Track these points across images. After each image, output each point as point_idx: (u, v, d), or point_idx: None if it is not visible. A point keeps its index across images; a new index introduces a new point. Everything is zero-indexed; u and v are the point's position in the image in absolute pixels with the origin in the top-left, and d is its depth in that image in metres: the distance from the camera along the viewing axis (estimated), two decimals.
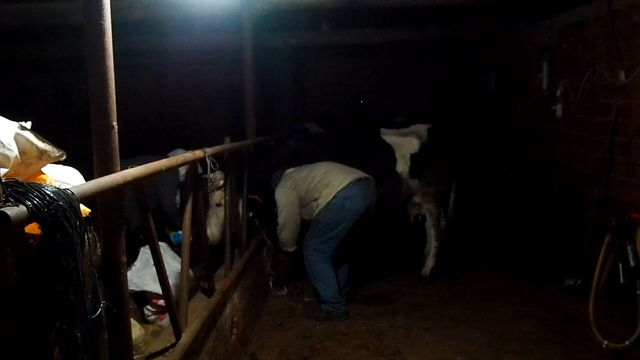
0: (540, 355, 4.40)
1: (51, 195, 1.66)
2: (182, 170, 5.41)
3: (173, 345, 3.14)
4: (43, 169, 2.23)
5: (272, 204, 5.54)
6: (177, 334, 3.19)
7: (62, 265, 1.67)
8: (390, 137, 6.28)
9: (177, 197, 5.73)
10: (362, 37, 8.35)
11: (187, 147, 4.54)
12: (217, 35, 7.72)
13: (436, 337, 4.77)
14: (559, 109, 6.48)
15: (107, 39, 2.33)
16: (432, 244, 6.30)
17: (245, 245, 5.27)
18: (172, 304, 3.14)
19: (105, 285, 2.39)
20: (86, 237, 1.81)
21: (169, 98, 11.27)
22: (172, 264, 4.13)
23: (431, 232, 6.30)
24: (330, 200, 5.17)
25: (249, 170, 5.54)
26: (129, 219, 4.75)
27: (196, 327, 3.36)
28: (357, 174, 5.37)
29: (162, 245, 3.87)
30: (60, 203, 1.67)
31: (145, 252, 4.18)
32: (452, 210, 6.67)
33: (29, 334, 1.67)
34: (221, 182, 5.19)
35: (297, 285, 6.01)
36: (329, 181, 5.26)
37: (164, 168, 2.90)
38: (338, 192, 5.17)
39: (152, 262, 3.19)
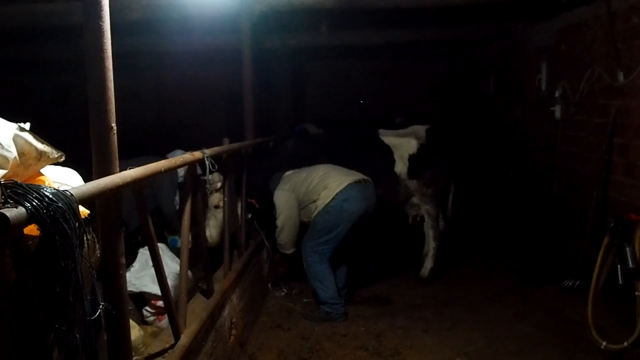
0: (539, 356, 4.40)
1: (50, 196, 1.66)
2: (181, 172, 5.42)
3: (172, 347, 3.14)
4: (42, 170, 2.23)
5: (270, 206, 5.54)
6: (176, 335, 3.19)
7: (61, 267, 1.67)
8: (388, 138, 6.28)
9: (177, 198, 5.73)
10: (361, 38, 8.36)
11: (186, 148, 4.54)
12: (215, 36, 7.72)
13: (435, 338, 4.78)
14: (557, 110, 6.48)
15: (106, 40, 2.33)
16: (430, 245, 6.30)
17: (244, 247, 5.27)
18: (171, 305, 3.13)
19: (104, 286, 2.39)
20: (85, 238, 1.81)
21: (168, 99, 11.27)
22: (171, 265, 4.13)
23: (430, 233, 6.30)
24: (329, 202, 5.17)
25: (248, 171, 5.54)
26: (128, 220, 4.76)
27: (195, 328, 3.36)
28: (356, 176, 5.37)
29: (161, 247, 3.88)
30: (59, 204, 1.67)
31: (144, 253, 4.18)
32: (450, 211, 6.67)
33: (28, 335, 1.67)
34: (219, 185, 5.20)
35: (294, 287, 6.00)
36: (327, 183, 5.26)
37: (162, 169, 2.90)
38: (336, 194, 5.17)
39: (150, 263, 3.20)
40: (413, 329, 4.97)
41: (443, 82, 11.40)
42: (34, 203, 1.60)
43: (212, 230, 5.22)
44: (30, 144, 2.05)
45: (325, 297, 5.27)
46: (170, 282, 3.37)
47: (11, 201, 1.57)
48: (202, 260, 4.20)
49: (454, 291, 5.98)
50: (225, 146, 4.59)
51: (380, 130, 6.42)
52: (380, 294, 5.92)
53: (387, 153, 6.14)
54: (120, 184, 2.29)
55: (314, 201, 5.27)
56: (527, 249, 7.02)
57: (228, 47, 7.57)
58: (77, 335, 1.74)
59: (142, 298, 4.23)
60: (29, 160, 2.07)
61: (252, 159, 5.85)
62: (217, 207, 5.35)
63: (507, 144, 8.50)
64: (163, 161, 3.05)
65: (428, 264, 6.28)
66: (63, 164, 2.37)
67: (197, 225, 4.13)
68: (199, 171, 4.12)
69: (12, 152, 1.96)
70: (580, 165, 6.13)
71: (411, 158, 6.10)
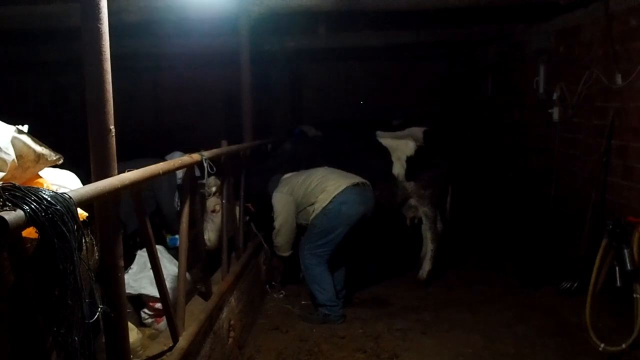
0: (537, 358, 4.40)
1: (49, 199, 1.66)
2: (180, 173, 5.42)
3: (170, 349, 3.14)
4: (40, 173, 2.22)
5: (268, 208, 5.53)
6: (175, 338, 3.18)
7: (59, 270, 1.67)
8: (386, 139, 6.28)
9: (177, 199, 5.74)
10: (359, 40, 8.35)
11: (185, 150, 4.54)
12: (213, 38, 7.72)
13: (433, 340, 4.77)
14: (555, 112, 6.48)
15: (104, 42, 2.33)
16: (428, 247, 6.30)
17: (242, 249, 5.27)
18: (169, 307, 3.13)
19: (103, 289, 2.39)
20: (84, 241, 1.81)
21: (166, 101, 11.26)
22: (169, 267, 4.13)
23: (428, 235, 6.30)
24: (327, 205, 5.17)
25: (246, 173, 5.54)
26: (126, 222, 4.75)
27: (193, 331, 3.36)
28: (354, 178, 5.37)
29: (159, 249, 3.87)
30: (58, 207, 1.67)
31: (142, 256, 4.18)
32: (448, 213, 6.67)
33: (26, 338, 1.67)
34: (214, 189, 5.19)
35: (290, 289, 6.00)
36: (325, 186, 5.26)
37: (161, 172, 2.90)
38: (334, 197, 5.17)
39: (149, 265, 3.19)
40: (411, 331, 4.97)
41: (443, 83, 11.40)
42: (33, 206, 1.60)
43: (210, 234, 5.22)
44: (29, 147, 2.05)
45: (323, 299, 5.27)
46: (168, 284, 3.36)
47: (9, 204, 1.57)
48: (200, 262, 4.20)
49: (452, 293, 5.98)
50: (224, 148, 4.59)
51: (378, 132, 6.42)
52: (379, 296, 5.92)
53: (385, 155, 6.14)
54: (119, 186, 2.29)
55: (312, 204, 5.27)
56: (526, 251, 7.03)
57: (226, 49, 7.56)
58: (76, 338, 1.73)
59: (140, 300, 4.23)
60: (27, 162, 2.06)
61: (250, 161, 5.84)
62: (213, 211, 5.35)
63: (505, 145, 8.51)
64: (161, 164, 3.05)
65: (426, 265, 6.27)
66: (61, 166, 2.37)
67: (196, 227, 4.13)
68: (198, 173, 4.11)
69: (11, 155, 1.95)
70: (579, 168, 6.14)
71: (409, 160, 6.10)
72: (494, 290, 5.96)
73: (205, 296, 4.03)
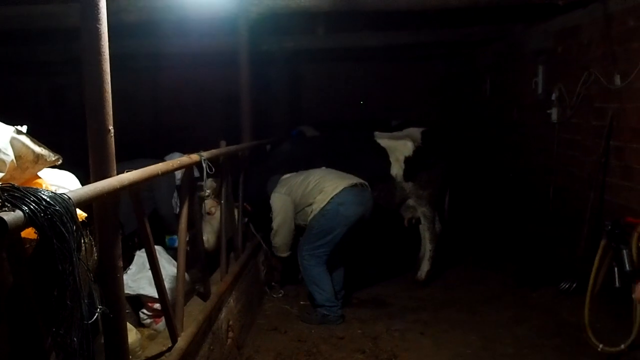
0: (536, 359, 4.41)
1: (48, 200, 1.66)
2: (178, 174, 5.41)
3: (169, 350, 3.14)
4: (39, 173, 2.22)
5: (266, 209, 5.53)
6: (173, 338, 3.18)
7: (58, 270, 1.67)
8: (384, 140, 6.28)
9: (175, 200, 5.73)
10: (358, 40, 8.34)
11: (183, 151, 4.53)
12: (212, 38, 7.71)
13: (432, 341, 4.78)
14: (554, 113, 6.48)
15: (103, 42, 2.33)
16: (427, 247, 6.30)
17: (241, 249, 5.27)
18: (168, 308, 3.13)
19: (102, 289, 2.38)
20: (83, 241, 1.81)
21: (165, 101, 11.23)
22: (168, 267, 4.12)
23: (426, 236, 6.31)
24: (324, 205, 5.17)
25: (245, 174, 5.54)
26: (124, 223, 4.74)
27: (192, 331, 3.36)
28: (352, 179, 5.36)
29: (158, 249, 3.86)
30: (57, 208, 1.67)
31: (141, 256, 4.17)
32: (447, 213, 6.68)
33: (25, 339, 1.66)
34: (208, 192, 5.19)
35: (288, 290, 6.00)
36: (323, 187, 5.26)
37: (160, 172, 2.90)
38: (332, 198, 5.17)
39: (147, 265, 3.19)
40: (410, 332, 4.97)
41: (442, 84, 11.39)
42: (32, 206, 1.60)
43: (209, 236, 5.22)
44: (28, 147, 2.04)
45: (322, 299, 5.27)
46: (167, 284, 3.36)
47: (8, 204, 1.57)
48: (199, 263, 4.20)
49: (450, 293, 5.98)
50: (223, 149, 4.59)
51: (376, 133, 6.42)
52: (377, 297, 5.92)
53: (383, 155, 6.14)
54: (118, 187, 2.29)
55: (310, 204, 5.27)
56: (524, 251, 7.02)
57: (225, 50, 7.55)
58: (75, 339, 1.74)
59: (139, 301, 4.22)
60: (26, 163, 2.06)
61: (249, 162, 5.84)
62: (209, 213, 5.35)
63: (504, 145, 8.51)
64: (160, 164, 3.05)
65: (424, 266, 6.28)
66: (60, 167, 2.37)
67: (195, 228, 4.13)
68: (196, 174, 4.11)
69: (9, 155, 1.95)
70: (577, 168, 6.13)
71: (407, 160, 6.11)
72: (492, 291, 5.96)
73: (204, 296, 4.03)
